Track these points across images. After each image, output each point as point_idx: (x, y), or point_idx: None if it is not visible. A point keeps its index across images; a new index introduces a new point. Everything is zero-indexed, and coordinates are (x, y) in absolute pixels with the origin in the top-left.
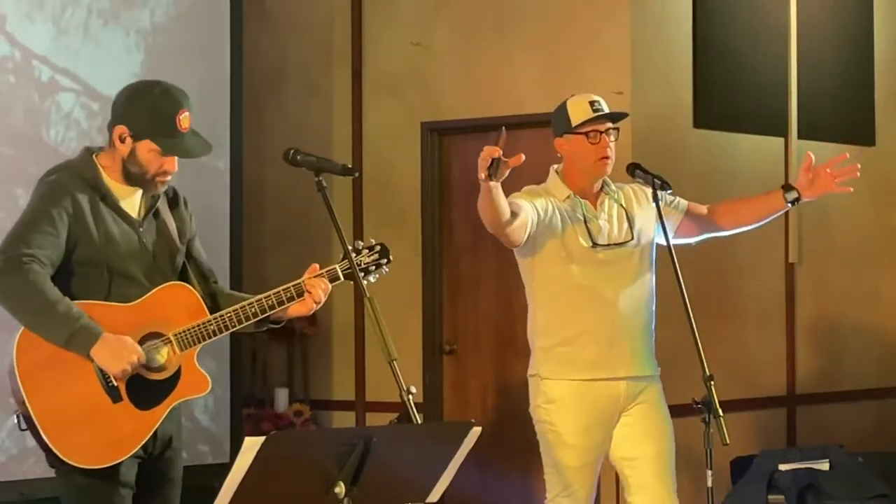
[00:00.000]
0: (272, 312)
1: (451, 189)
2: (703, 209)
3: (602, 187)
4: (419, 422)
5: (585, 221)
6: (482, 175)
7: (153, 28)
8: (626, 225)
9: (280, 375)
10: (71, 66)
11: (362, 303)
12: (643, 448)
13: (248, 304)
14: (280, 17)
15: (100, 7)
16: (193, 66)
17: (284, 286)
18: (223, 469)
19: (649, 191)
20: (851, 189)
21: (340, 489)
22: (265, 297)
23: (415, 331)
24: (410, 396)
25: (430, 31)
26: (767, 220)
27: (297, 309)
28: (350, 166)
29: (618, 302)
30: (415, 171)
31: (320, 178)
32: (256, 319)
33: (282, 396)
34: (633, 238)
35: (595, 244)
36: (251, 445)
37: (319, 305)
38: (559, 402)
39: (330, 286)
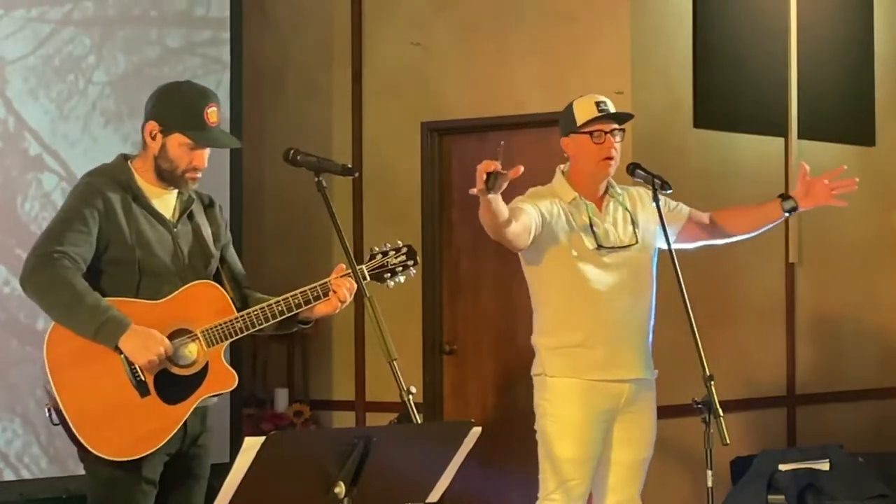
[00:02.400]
0: (298, 311)
1: (451, 189)
2: (705, 216)
3: (607, 189)
4: (419, 422)
5: (591, 224)
6: (479, 188)
7: None
8: (630, 228)
9: (280, 375)
10: (62, 150)
11: (362, 303)
12: (628, 454)
13: (276, 303)
14: (280, 17)
15: (104, 106)
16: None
17: (311, 286)
18: (223, 469)
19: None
20: (846, 203)
21: (340, 489)
22: (291, 296)
23: (415, 331)
24: (410, 396)
25: (430, 31)
26: (766, 228)
27: (322, 308)
28: (350, 166)
29: (623, 304)
30: (415, 171)
31: (320, 178)
32: (283, 318)
33: (282, 396)
34: (637, 241)
35: (600, 246)
36: (251, 445)
37: (345, 304)
38: (564, 396)
39: (355, 286)
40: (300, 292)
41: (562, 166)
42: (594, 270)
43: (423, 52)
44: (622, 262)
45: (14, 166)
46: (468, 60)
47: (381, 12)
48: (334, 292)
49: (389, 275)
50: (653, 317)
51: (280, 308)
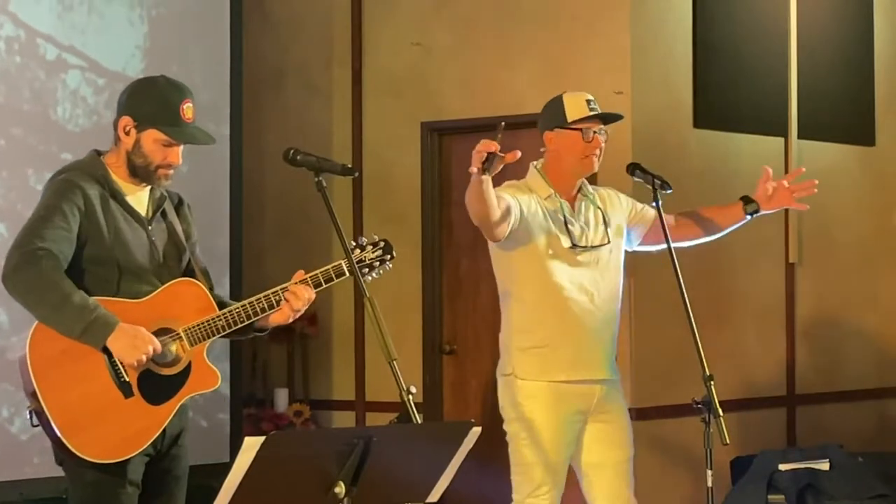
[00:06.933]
0: (268, 313)
1: (451, 189)
2: (671, 218)
3: (579, 189)
4: (419, 422)
5: (566, 222)
6: (475, 168)
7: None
8: (602, 227)
9: (280, 375)
10: (76, 42)
11: (362, 303)
12: (611, 454)
13: (249, 303)
14: (280, 17)
15: None
16: (197, 36)
17: (273, 290)
18: (223, 469)
19: (623, 196)
20: (807, 207)
21: (340, 489)
22: (264, 296)
23: (415, 331)
24: (410, 396)
25: (430, 31)
26: (729, 230)
27: (276, 318)
28: (350, 166)
29: (594, 304)
30: (415, 171)
31: (320, 178)
32: (255, 319)
33: (282, 396)
34: (609, 241)
35: (575, 245)
36: (251, 445)
37: (299, 313)
38: (536, 400)
39: (314, 294)
40: (263, 295)
41: (535, 163)
42: (567, 269)
43: (423, 52)
44: (593, 262)
45: (37, 76)
46: (468, 60)
47: (381, 12)
48: (287, 301)
49: (367, 269)
50: (619, 318)
51: (261, 305)
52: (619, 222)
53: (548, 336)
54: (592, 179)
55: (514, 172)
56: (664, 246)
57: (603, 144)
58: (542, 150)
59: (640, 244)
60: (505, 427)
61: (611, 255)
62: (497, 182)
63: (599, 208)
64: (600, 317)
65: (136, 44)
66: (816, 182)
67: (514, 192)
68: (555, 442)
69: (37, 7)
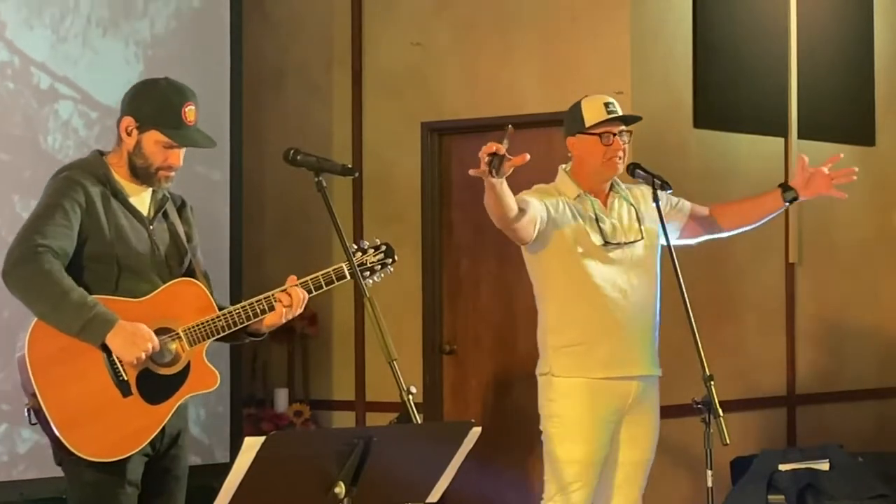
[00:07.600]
0: (262, 318)
1: (451, 189)
2: (706, 210)
3: (612, 187)
4: (419, 422)
5: (597, 220)
6: (482, 169)
7: (153, 40)
8: (636, 224)
9: (280, 375)
10: (70, 74)
11: (362, 303)
12: (631, 454)
13: (250, 304)
14: (280, 18)
15: (99, 16)
16: (192, 77)
17: (272, 292)
18: (223, 469)
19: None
20: (846, 195)
21: (340, 489)
22: (264, 297)
23: (415, 331)
24: (410, 396)
25: (430, 31)
26: (767, 219)
27: (270, 319)
28: (350, 166)
29: (629, 300)
30: (415, 171)
31: (320, 178)
32: (254, 321)
33: (282, 396)
34: (642, 237)
35: (607, 242)
36: (251, 445)
37: (294, 311)
38: (572, 398)
39: (307, 297)
40: (270, 294)
41: (563, 166)
42: (600, 266)
43: (423, 52)
44: (627, 258)
45: (29, 103)
46: (468, 60)
47: (381, 12)
48: (279, 301)
49: (368, 273)
50: (658, 312)
51: (261, 307)
52: (652, 218)
53: (582, 334)
54: None
55: (538, 175)
56: (703, 238)
57: (625, 146)
58: (569, 154)
59: (679, 237)
60: (541, 426)
61: (645, 251)
62: (519, 186)
63: (633, 205)
64: (635, 313)
65: (130, 80)
66: (856, 169)
67: (540, 196)
68: (590, 441)
69: (31, 35)
